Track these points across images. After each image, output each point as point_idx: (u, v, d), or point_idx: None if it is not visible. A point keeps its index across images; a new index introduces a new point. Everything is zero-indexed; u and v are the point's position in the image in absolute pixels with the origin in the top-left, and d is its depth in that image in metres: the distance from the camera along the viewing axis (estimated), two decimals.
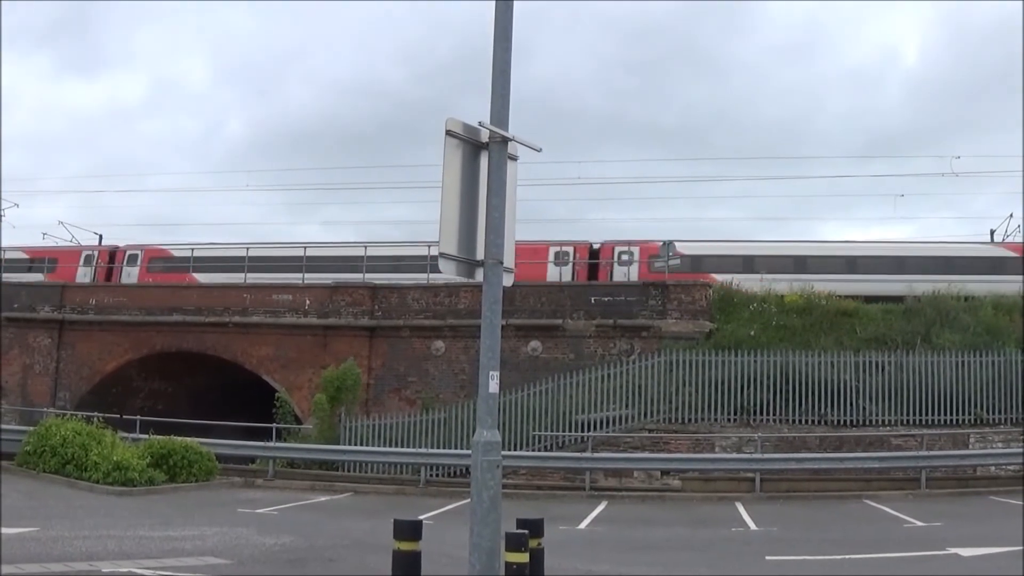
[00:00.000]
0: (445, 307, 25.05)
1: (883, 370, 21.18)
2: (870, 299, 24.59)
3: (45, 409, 24.67)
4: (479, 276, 6.23)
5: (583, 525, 14.76)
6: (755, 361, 21.31)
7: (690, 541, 13.10)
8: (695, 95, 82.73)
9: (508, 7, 6.30)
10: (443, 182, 6.09)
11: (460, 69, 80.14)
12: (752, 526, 14.53)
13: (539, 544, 6.58)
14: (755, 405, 21.08)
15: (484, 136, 6.27)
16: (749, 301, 24.26)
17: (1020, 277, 25.07)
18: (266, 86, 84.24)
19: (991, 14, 66.06)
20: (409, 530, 6.35)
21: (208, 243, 33.22)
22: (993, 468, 20.16)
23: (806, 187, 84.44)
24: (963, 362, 21.17)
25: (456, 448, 20.45)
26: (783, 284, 24.83)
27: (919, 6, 76.07)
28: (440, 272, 6.37)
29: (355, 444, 21.63)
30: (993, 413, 20.91)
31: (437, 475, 20.72)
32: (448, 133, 6.12)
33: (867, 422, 20.82)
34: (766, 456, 19.51)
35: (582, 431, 20.88)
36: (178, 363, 27.62)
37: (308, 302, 26.42)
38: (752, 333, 22.64)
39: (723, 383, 21.17)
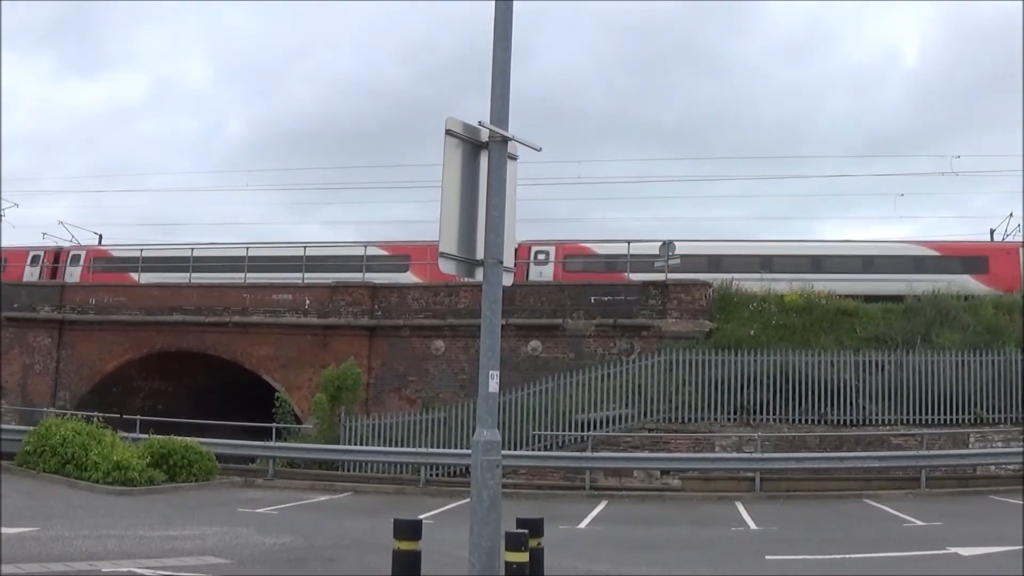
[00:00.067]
0: (445, 307, 25.05)
1: (883, 369, 21.18)
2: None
3: (45, 409, 24.66)
4: (479, 275, 6.23)
5: (583, 524, 14.77)
6: (755, 360, 21.30)
7: (690, 540, 13.11)
8: (695, 95, 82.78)
9: (508, 7, 6.30)
10: (443, 182, 6.09)
11: (460, 69, 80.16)
12: (752, 525, 14.53)
13: (539, 544, 6.57)
14: (755, 404, 21.08)
15: (484, 136, 6.26)
16: (749, 300, 24.25)
17: (940, 276, 24.93)
18: (267, 86, 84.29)
19: (991, 14, 66.10)
20: (409, 529, 6.34)
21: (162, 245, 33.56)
22: (993, 467, 20.17)
23: (806, 186, 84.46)
24: (963, 361, 21.16)
25: (456, 448, 20.46)
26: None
27: (919, 6, 76.15)
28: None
29: (355, 444, 21.64)
30: (993, 412, 20.89)
31: (437, 475, 20.74)
32: (448, 133, 6.11)
33: (867, 421, 20.81)
34: (766, 455, 19.51)
35: (582, 431, 20.89)
36: (178, 363, 27.63)
37: (308, 302, 26.43)
38: (752, 332, 22.63)
39: (723, 382, 21.16)
